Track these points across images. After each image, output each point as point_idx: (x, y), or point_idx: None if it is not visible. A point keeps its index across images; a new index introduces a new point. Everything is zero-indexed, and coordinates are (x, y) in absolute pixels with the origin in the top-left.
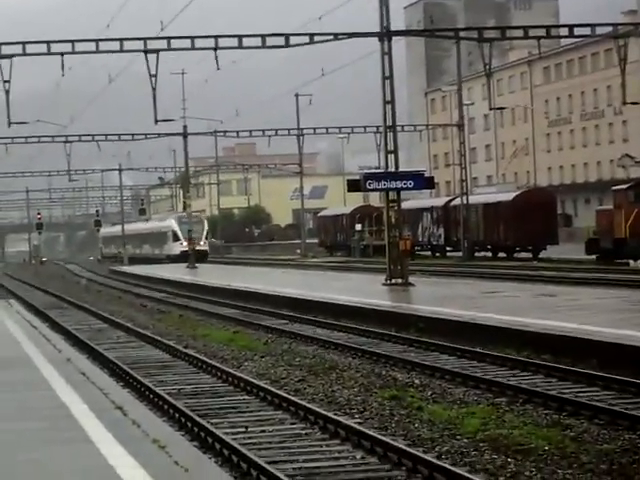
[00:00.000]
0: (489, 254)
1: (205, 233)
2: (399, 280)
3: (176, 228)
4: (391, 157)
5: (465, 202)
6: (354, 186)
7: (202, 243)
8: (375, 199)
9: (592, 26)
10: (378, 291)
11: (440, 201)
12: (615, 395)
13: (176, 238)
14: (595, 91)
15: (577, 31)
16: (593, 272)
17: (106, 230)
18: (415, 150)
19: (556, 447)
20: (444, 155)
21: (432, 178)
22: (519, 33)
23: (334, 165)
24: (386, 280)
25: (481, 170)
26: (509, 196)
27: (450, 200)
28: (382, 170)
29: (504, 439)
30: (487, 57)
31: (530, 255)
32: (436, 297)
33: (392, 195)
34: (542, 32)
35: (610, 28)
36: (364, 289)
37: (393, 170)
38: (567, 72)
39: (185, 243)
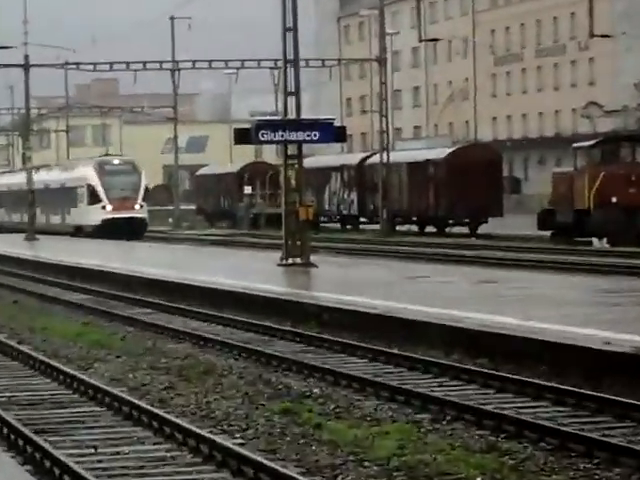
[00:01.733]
0: (415, 228)
1: (142, 190)
2: (298, 259)
3: (95, 181)
4: (291, 100)
5: (385, 160)
6: (243, 137)
7: (138, 206)
8: (270, 155)
9: None
10: (271, 273)
11: (353, 158)
12: (568, 412)
13: (95, 198)
14: (555, 20)
15: None
16: (546, 253)
17: None
18: (323, 92)
19: (492, 478)
20: (360, 99)
21: (344, 128)
22: None
23: (219, 110)
24: (282, 259)
25: (407, 119)
26: (442, 153)
27: (366, 158)
28: (279, 117)
29: (425, 467)
30: None
31: (467, 230)
32: (345, 282)
33: (292, 150)
34: None
35: None
36: (253, 270)
37: (293, 117)
38: None
39: (111, 207)
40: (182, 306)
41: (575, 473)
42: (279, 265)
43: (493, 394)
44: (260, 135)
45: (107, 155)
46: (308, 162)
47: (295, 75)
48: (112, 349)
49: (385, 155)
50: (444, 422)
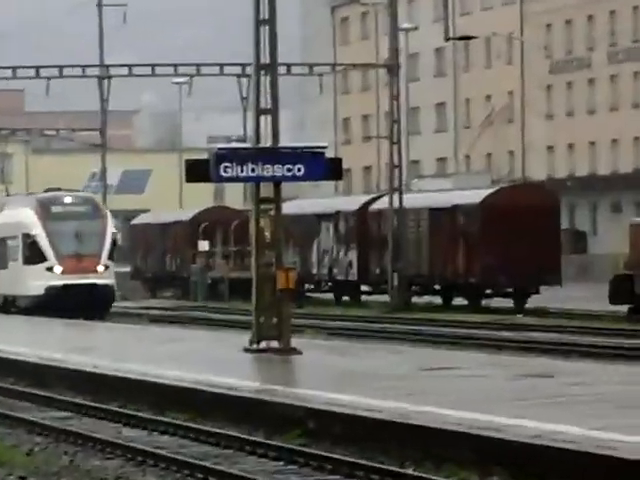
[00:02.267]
0: (437, 299)
1: (108, 242)
2: (275, 343)
3: (37, 229)
4: (266, 121)
5: (397, 206)
6: (198, 172)
7: (101, 268)
8: (236, 197)
9: None
10: (237, 362)
11: (352, 203)
12: None
13: (35, 255)
14: (635, 11)
15: None
16: (622, 336)
17: None
18: (311, 110)
19: None
20: (362, 120)
21: (339, 161)
22: None
23: (165, 134)
24: (251, 343)
25: (428, 149)
26: (476, 197)
27: (370, 202)
28: (249, 144)
29: None
30: None
31: (511, 304)
32: (340, 375)
33: (266, 191)
34: None
35: None
36: (211, 359)
37: (269, 145)
38: None
39: (60, 268)
40: (113, 408)
41: None
42: (248, 351)
43: None
44: (222, 169)
45: (49, 190)
46: (289, 208)
47: (272, 86)
48: (14, 467)
49: (397, 198)
50: None
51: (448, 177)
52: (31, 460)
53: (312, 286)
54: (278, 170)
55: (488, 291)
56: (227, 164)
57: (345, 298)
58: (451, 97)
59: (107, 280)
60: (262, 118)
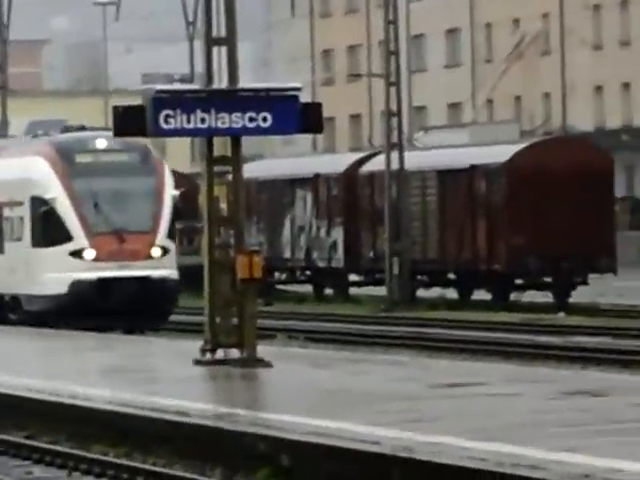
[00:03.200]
0: (452, 293)
1: (167, 210)
2: (235, 352)
3: (57, 192)
4: (220, 53)
5: (397, 167)
6: (130, 123)
7: (156, 252)
8: (181, 158)
9: None
10: (185, 378)
11: (337, 163)
12: None
13: (53, 234)
14: None
15: None
16: None
17: None
18: (279, 39)
19: None
20: (348, 52)
21: (318, 107)
22: None
23: (84, 71)
24: (204, 352)
25: (437, 91)
26: (502, 154)
27: (360, 162)
28: (197, 85)
29: None
30: None
31: (549, 298)
32: (323, 395)
33: (221, 149)
34: None
35: None
36: (151, 373)
37: (225, 86)
38: None
39: (94, 252)
40: (19, 440)
41: None
42: (199, 363)
43: None
44: (162, 119)
45: (68, 130)
46: (253, 170)
47: (228, 8)
48: None
49: (396, 157)
50: None
51: (464, 128)
52: None
53: (284, 276)
54: (237, 120)
55: (518, 281)
56: (169, 112)
57: (328, 291)
58: (467, 21)
59: (166, 271)
60: (215, 50)
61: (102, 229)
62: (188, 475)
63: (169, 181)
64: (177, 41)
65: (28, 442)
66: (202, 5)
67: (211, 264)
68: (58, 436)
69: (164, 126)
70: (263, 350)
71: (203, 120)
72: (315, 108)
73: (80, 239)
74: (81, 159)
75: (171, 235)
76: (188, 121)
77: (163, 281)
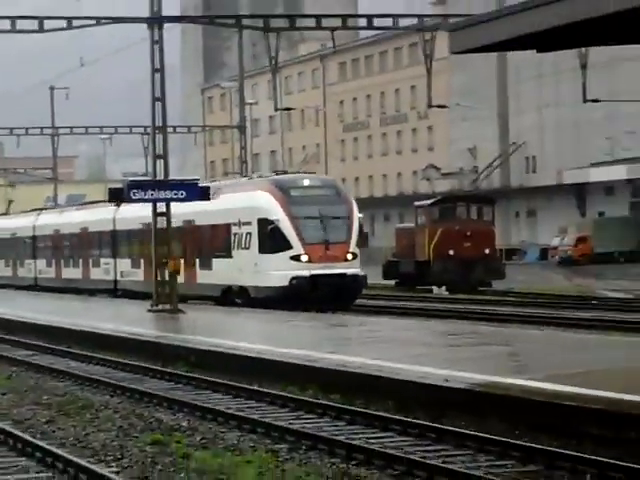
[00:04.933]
0: None
1: (356, 229)
2: (167, 306)
3: (277, 213)
4: (160, 163)
5: None
6: (117, 195)
7: (350, 256)
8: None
9: (394, 17)
10: (143, 318)
11: None
12: (412, 442)
13: (277, 243)
14: (397, 92)
15: (377, 22)
16: (392, 300)
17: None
18: (189, 155)
19: None
20: (222, 162)
21: (207, 188)
22: (311, 23)
23: (95, 171)
24: (152, 306)
25: None
26: None
27: None
28: (149, 178)
29: None
30: (274, 50)
31: None
32: (210, 326)
33: (161, 208)
34: (337, 22)
35: (415, 20)
36: (127, 316)
37: (162, 178)
38: (365, 69)
39: (307, 257)
40: (63, 348)
41: None
42: (149, 311)
43: (344, 426)
44: (132, 194)
45: (282, 173)
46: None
47: (163, 140)
48: None
49: None
50: (300, 451)
51: None
52: (9, 382)
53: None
54: (168, 194)
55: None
56: (135, 190)
57: None
58: (279, 147)
59: (356, 269)
60: (158, 161)
61: (313, 241)
62: (144, 365)
63: (355, 207)
64: (140, 156)
65: (67, 349)
66: (151, 139)
67: (157, 264)
68: (82, 348)
69: (132, 197)
70: (182, 306)
71: (152, 194)
72: (206, 188)
73: (298, 248)
74: (294, 192)
75: (358, 244)
76: (144, 194)
77: (354, 276)
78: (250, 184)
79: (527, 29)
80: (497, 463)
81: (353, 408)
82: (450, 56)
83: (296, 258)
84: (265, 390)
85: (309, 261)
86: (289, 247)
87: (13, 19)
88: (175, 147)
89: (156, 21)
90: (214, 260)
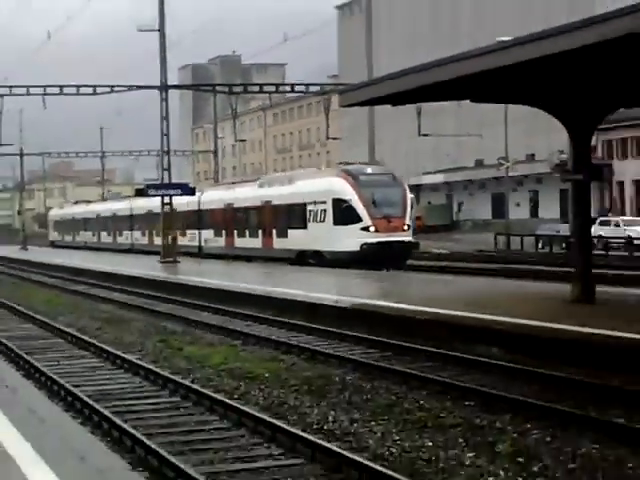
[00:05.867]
0: None
1: (409, 205)
2: (170, 259)
3: (351, 194)
4: (166, 173)
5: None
6: (140, 192)
7: (406, 227)
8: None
9: (307, 85)
10: (155, 267)
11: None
12: (316, 338)
13: (349, 217)
14: (308, 130)
15: (297, 88)
16: None
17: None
18: (184, 169)
19: (273, 374)
20: (204, 173)
21: (194, 188)
22: (256, 88)
23: (128, 177)
24: (161, 259)
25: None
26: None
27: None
28: (160, 182)
29: (238, 369)
30: (234, 105)
31: None
32: (195, 271)
33: (166, 199)
34: (272, 88)
35: (318, 87)
36: (146, 265)
37: (167, 182)
38: (290, 117)
39: (373, 228)
40: (105, 284)
41: (318, 371)
42: (160, 262)
43: (275, 330)
44: (150, 191)
45: (348, 164)
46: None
47: (167, 160)
48: (66, 308)
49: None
50: (249, 345)
51: None
52: (72, 306)
53: None
54: (170, 191)
55: None
56: (152, 189)
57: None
58: (238, 164)
59: (410, 237)
60: (164, 172)
61: (378, 216)
62: (156, 294)
63: (407, 190)
64: (155, 168)
65: (109, 284)
66: (160, 161)
67: (164, 235)
68: (122, 285)
69: (150, 193)
70: (180, 258)
71: (161, 191)
72: (193, 188)
73: (367, 221)
74: (362, 178)
75: (410, 218)
76: (157, 191)
77: (409, 243)
78: (324, 172)
79: (385, 92)
80: (354, 348)
81: (285, 320)
82: (339, 108)
83: (366, 229)
84: (234, 310)
85: (376, 231)
86: (360, 220)
87: (78, 87)
88: (175, 164)
89: (164, 88)
90: (289, 231)
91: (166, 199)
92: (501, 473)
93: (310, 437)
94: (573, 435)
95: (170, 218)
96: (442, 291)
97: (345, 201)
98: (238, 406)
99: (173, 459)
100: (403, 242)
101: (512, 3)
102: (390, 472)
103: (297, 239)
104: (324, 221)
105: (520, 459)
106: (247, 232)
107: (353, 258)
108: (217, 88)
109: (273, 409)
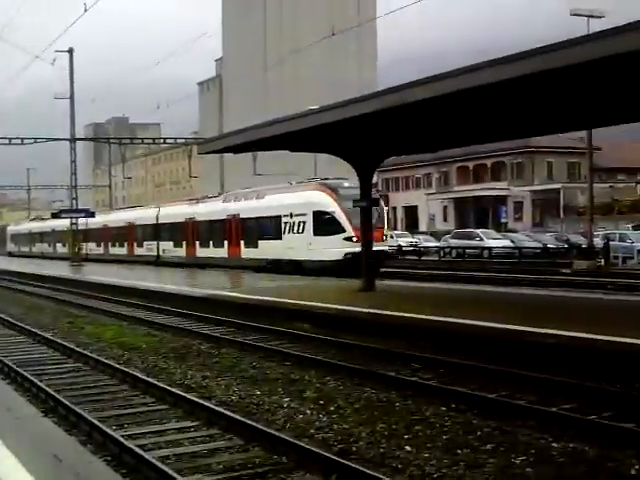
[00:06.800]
0: None
1: (385, 217)
2: (76, 263)
3: (333, 207)
4: (74, 201)
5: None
6: (55, 215)
7: (384, 237)
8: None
9: (175, 138)
10: (67, 269)
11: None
12: (179, 319)
13: (333, 228)
14: (177, 170)
15: (169, 141)
16: None
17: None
18: (87, 198)
19: (149, 345)
20: (102, 201)
21: (94, 212)
22: (139, 141)
23: (47, 204)
24: (71, 262)
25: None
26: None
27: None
28: (70, 207)
29: (124, 342)
30: (123, 152)
31: None
32: (98, 272)
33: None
34: (151, 141)
35: (184, 140)
36: (60, 267)
37: (75, 207)
38: (164, 160)
39: (355, 238)
40: (29, 281)
41: (183, 342)
42: (70, 265)
43: (149, 314)
44: (62, 214)
45: (325, 179)
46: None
47: (75, 192)
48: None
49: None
50: (130, 324)
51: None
52: (2, 298)
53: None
54: (75, 215)
55: None
56: (64, 213)
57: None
58: (127, 195)
59: (386, 247)
60: (73, 200)
61: (359, 226)
62: (63, 288)
63: (382, 203)
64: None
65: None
66: (71, 194)
67: (73, 245)
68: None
69: (63, 216)
70: (85, 262)
71: (70, 215)
72: (93, 212)
73: (350, 231)
74: (342, 191)
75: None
76: (68, 215)
77: (386, 252)
78: (303, 186)
79: (230, 144)
80: (207, 326)
81: (156, 305)
82: (198, 155)
83: (349, 239)
84: (121, 299)
85: (358, 241)
86: (343, 231)
87: None
88: (81, 194)
89: (73, 140)
90: (260, 241)
91: (74, 220)
92: (308, 412)
93: (174, 390)
94: (359, 384)
95: (75, 234)
96: (270, 284)
97: (327, 213)
98: (123, 368)
99: (77, 408)
100: (383, 251)
101: (326, 77)
102: (230, 413)
103: (269, 249)
104: (302, 232)
105: (322, 402)
106: (211, 243)
107: (334, 267)
108: (111, 141)
109: (148, 370)
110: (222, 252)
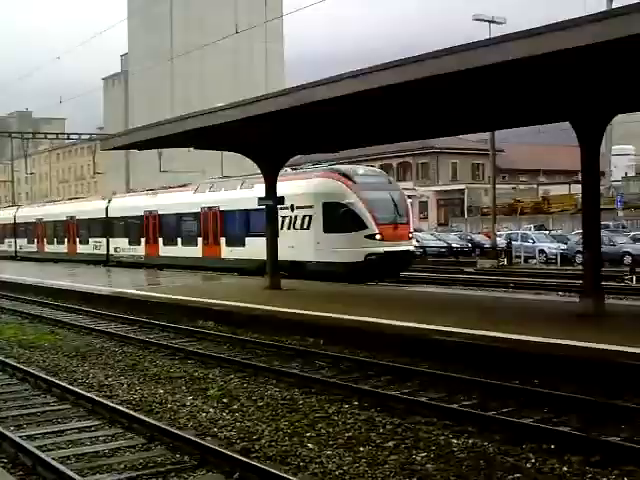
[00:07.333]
0: None
1: (410, 210)
2: None
3: (350, 197)
4: None
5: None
6: None
7: (410, 235)
8: None
9: (79, 134)
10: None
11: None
12: (83, 317)
13: (350, 223)
14: (82, 166)
15: (73, 136)
16: None
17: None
18: None
19: (51, 343)
20: (5, 197)
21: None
22: (43, 136)
23: None
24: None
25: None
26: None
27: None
28: None
29: (25, 341)
30: (26, 147)
31: None
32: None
33: None
34: (55, 136)
35: (88, 136)
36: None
37: None
38: (68, 156)
39: (379, 235)
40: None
41: (85, 340)
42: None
43: (53, 311)
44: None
45: (333, 164)
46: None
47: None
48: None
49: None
50: (34, 322)
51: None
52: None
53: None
54: None
55: None
56: None
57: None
58: (30, 191)
59: (412, 246)
60: None
61: (383, 222)
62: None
63: (405, 196)
64: None
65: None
66: None
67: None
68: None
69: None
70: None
71: None
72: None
73: (372, 228)
74: (359, 179)
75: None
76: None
77: (412, 253)
78: (315, 172)
79: (134, 140)
80: (111, 324)
81: (60, 303)
82: (100, 151)
83: (371, 237)
84: (21, 296)
85: (382, 239)
86: (364, 227)
87: None
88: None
89: None
90: (248, 239)
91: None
92: (211, 410)
93: (75, 389)
94: (262, 381)
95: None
96: (178, 281)
97: (343, 205)
98: (23, 367)
99: None
100: (408, 252)
101: (233, 74)
102: (132, 412)
103: (260, 248)
104: (307, 228)
105: (225, 400)
106: (179, 240)
107: (351, 271)
108: (13, 135)
109: (50, 369)
110: (194, 251)
